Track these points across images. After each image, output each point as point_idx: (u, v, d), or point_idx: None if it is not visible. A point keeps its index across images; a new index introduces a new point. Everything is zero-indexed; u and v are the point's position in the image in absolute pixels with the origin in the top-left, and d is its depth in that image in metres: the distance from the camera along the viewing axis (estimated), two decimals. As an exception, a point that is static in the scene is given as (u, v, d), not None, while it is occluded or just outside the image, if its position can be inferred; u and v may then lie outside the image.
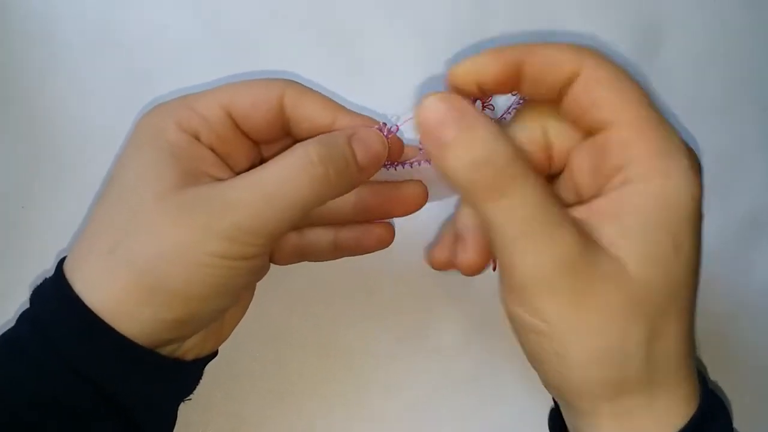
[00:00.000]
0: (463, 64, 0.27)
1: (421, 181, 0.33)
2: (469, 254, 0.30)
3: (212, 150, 0.30)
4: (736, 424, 0.28)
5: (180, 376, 0.31)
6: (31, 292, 0.29)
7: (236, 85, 0.31)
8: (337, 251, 0.33)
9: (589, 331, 0.25)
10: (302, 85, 0.31)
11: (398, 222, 0.35)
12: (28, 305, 0.29)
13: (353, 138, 0.29)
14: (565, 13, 0.40)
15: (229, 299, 0.30)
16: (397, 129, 0.31)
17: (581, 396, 0.27)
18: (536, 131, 0.29)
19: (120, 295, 0.27)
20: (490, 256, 0.30)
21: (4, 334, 0.28)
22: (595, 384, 0.26)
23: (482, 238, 0.29)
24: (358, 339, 0.38)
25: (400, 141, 0.31)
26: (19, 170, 0.37)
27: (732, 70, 0.41)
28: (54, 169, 0.37)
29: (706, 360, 0.38)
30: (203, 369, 0.32)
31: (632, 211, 0.25)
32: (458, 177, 0.25)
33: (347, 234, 0.33)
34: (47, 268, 0.36)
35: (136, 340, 0.27)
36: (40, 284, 0.29)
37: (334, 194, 0.29)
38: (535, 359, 0.27)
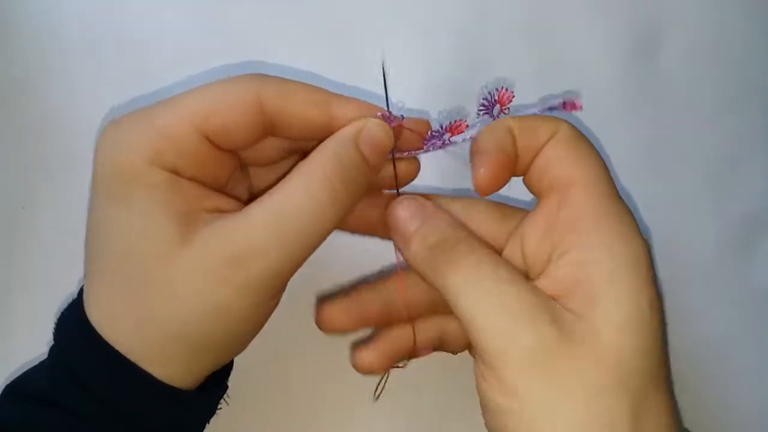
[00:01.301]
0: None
1: (415, 158, 0.31)
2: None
3: (195, 179, 0.27)
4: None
5: (214, 399, 0.31)
6: (56, 335, 0.28)
7: (203, 93, 0.27)
8: None
9: (560, 408, 0.24)
10: (277, 78, 0.28)
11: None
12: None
13: (360, 139, 0.28)
14: (565, 13, 0.40)
15: (260, 329, 0.29)
16: (402, 119, 0.29)
17: None
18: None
19: (159, 359, 0.26)
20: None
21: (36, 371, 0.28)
22: None
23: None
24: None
25: (401, 126, 0.30)
26: (20, 170, 0.37)
27: (732, 70, 0.41)
28: (55, 169, 0.37)
29: (704, 363, 0.38)
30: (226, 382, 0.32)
31: (597, 276, 0.25)
32: (418, 260, 0.28)
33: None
34: (47, 268, 0.36)
35: (177, 386, 0.27)
36: (67, 330, 0.28)
37: (353, 205, 0.28)
38: None
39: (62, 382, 0.26)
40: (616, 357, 0.24)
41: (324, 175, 0.26)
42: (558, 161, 0.28)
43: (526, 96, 0.40)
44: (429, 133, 0.30)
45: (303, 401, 0.37)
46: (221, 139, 0.27)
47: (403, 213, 0.29)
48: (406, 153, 0.31)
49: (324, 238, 0.27)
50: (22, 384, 0.27)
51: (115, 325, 0.26)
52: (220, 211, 0.27)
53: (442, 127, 0.30)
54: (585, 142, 0.28)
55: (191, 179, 0.27)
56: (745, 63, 0.41)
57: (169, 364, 0.26)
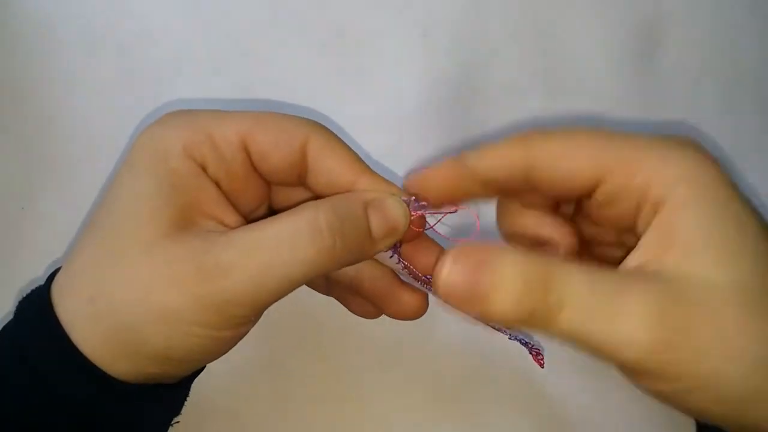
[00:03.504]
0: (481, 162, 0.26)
1: (425, 294, 0.30)
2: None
3: (217, 184, 0.27)
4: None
5: (167, 400, 0.29)
6: (18, 303, 0.27)
7: (259, 116, 0.27)
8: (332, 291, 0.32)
9: (695, 379, 0.22)
10: (329, 131, 0.28)
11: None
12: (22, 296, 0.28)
13: (370, 205, 0.26)
14: (565, 13, 0.40)
15: (213, 358, 0.28)
16: (425, 208, 0.27)
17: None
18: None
19: (100, 344, 0.25)
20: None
21: None
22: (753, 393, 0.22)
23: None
24: (358, 339, 0.38)
25: (423, 220, 0.28)
26: (19, 171, 0.37)
27: (732, 70, 0.41)
28: (54, 170, 0.37)
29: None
30: (191, 384, 0.31)
31: (681, 229, 0.23)
32: (510, 320, 0.23)
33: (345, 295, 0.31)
34: (47, 268, 0.36)
35: (119, 377, 0.26)
36: (28, 300, 0.27)
37: (339, 267, 0.26)
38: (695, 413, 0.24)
39: (8, 356, 0.26)
40: (737, 293, 0.22)
41: (314, 219, 0.25)
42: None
43: (526, 95, 0.40)
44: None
45: (303, 401, 0.38)
46: (259, 161, 0.27)
47: (460, 275, 0.23)
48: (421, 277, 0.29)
49: (300, 282, 0.25)
50: None
51: (69, 300, 0.26)
52: (222, 224, 0.27)
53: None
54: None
55: (215, 182, 0.27)
56: (745, 63, 0.41)
57: (107, 350, 0.25)
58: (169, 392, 0.28)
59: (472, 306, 0.23)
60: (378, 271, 0.30)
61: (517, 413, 0.38)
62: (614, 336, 0.22)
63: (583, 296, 0.22)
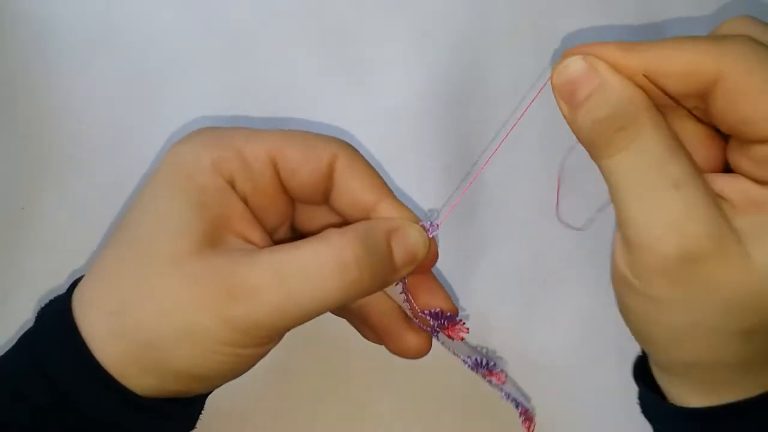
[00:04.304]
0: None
1: (428, 337, 0.30)
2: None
3: (245, 200, 0.27)
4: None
5: (184, 415, 0.29)
6: (38, 312, 0.27)
7: (287, 133, 0.28)
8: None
9: (688, 304, 0.24)
10: (355, 150, 0.29)
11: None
12: (25, 305, 0.28)
13: (394, 235, 0.27)
14: (565, 13, 0.40)
15: (238, 375, 0.28)
16: (438, 227, 0.29)
17: (669, 362, 0.26)
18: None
19: (122, 359, 0.25)
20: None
21: (5, 358, 0.27)
22: (687, 355, 0.25)
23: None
24: (358, 340, 0.38)
25: (434, 243, 0.29)
26: (20, 171, 0.37)
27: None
28: (54, 170, 0.37)
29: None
30: (206, 398, 0.31)
31: None
32: (583, 132, 0.25)
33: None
34: (46, 269, 0.36)
35: (139, 393, 0.26)
36: (48, 309, 0.27)
37: (363, 296, 0.27)
38: (627, 315, 0.27)
39: (23, 361, 0.26)
40: (759, 286, 0.23)
41: (342, 251, 0.25)
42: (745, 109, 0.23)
43: (526, 95, 0.40)
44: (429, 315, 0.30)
45: (302, 401, 0.38)
46: (287, 177, 0.28)
47: (575, 73, 0.24)
48: (421, 313, 0.30)
49: (324, 311, 0.26)
50: None
51: (90, 312, 0.26)
52: (247, 241, 0.27)
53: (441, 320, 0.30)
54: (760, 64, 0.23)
55: (242, 198, 0.27)
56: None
57: (130, 365, 0.25)
58: (186, 407, 0.28)
59: (565, 102, 0.25)
60: (385, 306, 0.30)
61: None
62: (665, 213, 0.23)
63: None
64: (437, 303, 0.30)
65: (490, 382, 0.30)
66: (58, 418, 0.25)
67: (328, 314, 0.35)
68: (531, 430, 0.30)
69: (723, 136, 0.26)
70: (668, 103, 0.25)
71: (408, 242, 0.27)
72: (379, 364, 0.38)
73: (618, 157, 0.24)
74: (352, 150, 0.29)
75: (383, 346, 0.31)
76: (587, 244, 0.38)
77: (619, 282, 0.26)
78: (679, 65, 0.23)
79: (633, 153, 0.24)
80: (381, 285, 0.27)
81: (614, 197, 0.25)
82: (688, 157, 0.24)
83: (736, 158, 0.25)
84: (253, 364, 0.28)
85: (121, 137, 0.37)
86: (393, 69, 0.39)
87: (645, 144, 0.24)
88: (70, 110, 0.37)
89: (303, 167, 0.28)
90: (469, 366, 0.30)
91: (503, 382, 0.30)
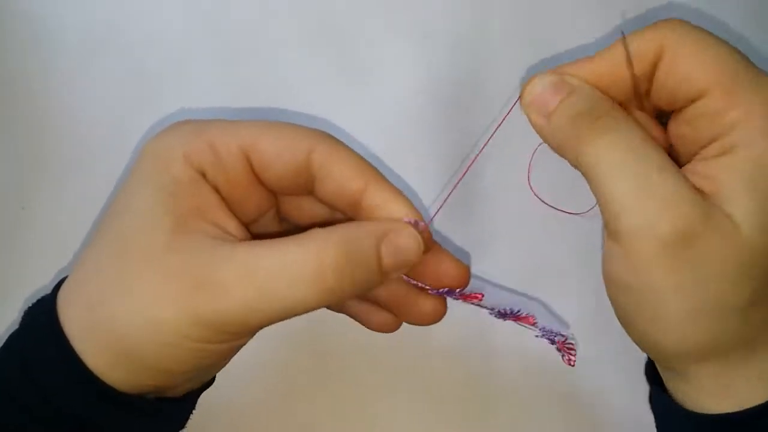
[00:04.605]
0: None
1: (443, 299, 0.30)
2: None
3: (217, 191, 0.27)
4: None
5: (168, 414, 0.29)
6: (24, 312, 0.28)
7: (265, 125, 0.28)
8: None
9: (686, 288, 0.24)
10: (335, 139, 0.28)
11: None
12: (25, 304, 0.28)
13: (385, 240, 0.26)
14: (565, 13, 0.40)
15: (209, 372, 0.28)
16: (429, 223, 0.28)
17: (677, 357, 0.26)
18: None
19: (98, 353, 0.25)
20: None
21: None
22: (690, 345, 0.25)
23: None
24: (358, 340, 0.38)
25: (429, 236, 0.28)
26: (20, 171, 0.37)
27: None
28: (54, 169, 0.37)
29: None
30: (197, 400, 0.31)
31: (739, 177, 0.24)
32: (556, 132, 0.27)
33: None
34: (46, 269, 0.36)
35: (117, 388, 0.25)
36: (33, 309, 0.27)
37: (346, 300, 0.27)
38: (626, 320, 0.27)
39: (8, 361, 0.26)
40: (750, 255, 0.24)
41: (321, 257, 0.24)
42: (685, 79, 0.26)
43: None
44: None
45: (302, 401, 0.38)
46: (261, 170, 0.27)
47: (543, 88, 0.28)
48: (432, 291, 0.29)
49: (299, 312, 0.25)
50: None
51: (71, 309, 0.26)
52: (223, 231, 0.26)
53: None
54: (702, 41, 0.27)
55: (214, 188, 0.27)
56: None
57: (105, 359, 0.25)
58: (170, 406, 0.28)
59: (537, 115, 0.28)
60: (394, 280, 0.29)
61: (517, 413, 0.38)
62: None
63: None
64: (445, 269, 0.29)
65: (521, 325, 0.30)
66: (45, 417, 0.25)
67: (328, 313, 0.35)
68: (572, 363, 0.29)
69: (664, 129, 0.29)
70: (626, 99, 0.28)
71: (400, 248, 0.26)
72: (379, 364, 0.38)
73: (601, 143, 0.25)
74: (331, 139, 0.28)
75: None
76: (586, 242, 0.38)
77: (614, 287, 0.27)
78: (632, 52, 0.27)
79: (614, 138, 0.25)
80: (367, 289, 0.27)
81: (601, 189, 0.25)
82: (660, 145, 0.26)
83: (679, 131, 0.27)
84: (226, 360, 0.27)
85: (121, 137, 0.37)
86: (393, 69, 0.39)
87: (624, 131, 0.26)
88: (70, 110, 0.37)
89: (277, 160, 0.27)
90: (496, 317, 0.30)
91: (534, 323, 0.30)
